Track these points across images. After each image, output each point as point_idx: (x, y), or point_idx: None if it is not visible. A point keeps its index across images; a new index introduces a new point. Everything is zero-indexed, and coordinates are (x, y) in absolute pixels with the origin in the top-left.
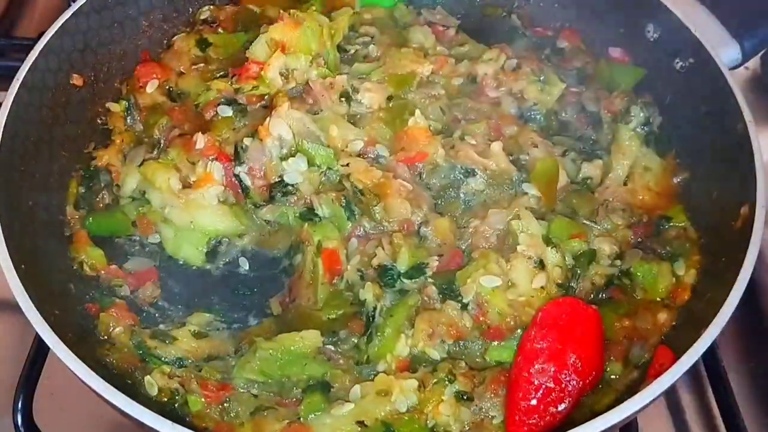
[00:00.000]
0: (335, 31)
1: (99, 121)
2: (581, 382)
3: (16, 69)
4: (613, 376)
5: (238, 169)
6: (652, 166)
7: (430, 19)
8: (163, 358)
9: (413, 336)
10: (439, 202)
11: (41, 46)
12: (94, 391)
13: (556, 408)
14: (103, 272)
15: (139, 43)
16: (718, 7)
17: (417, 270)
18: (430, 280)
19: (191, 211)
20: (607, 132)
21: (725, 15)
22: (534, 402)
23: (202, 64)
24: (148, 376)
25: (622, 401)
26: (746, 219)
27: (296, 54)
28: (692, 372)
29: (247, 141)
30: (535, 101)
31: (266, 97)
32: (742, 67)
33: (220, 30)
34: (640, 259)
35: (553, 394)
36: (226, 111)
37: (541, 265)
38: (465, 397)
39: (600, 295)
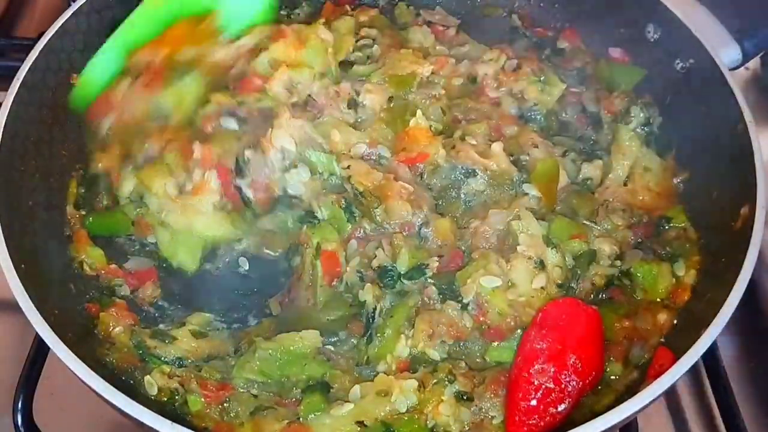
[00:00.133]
0: (339, 47)
1: None
2: (581, 383)
3: (16, 69)
4: (612, 377)
5: (239, 182)
6: (652, 167)
7: (429, 19)
8: (162, 358)
9: (413, 336)
10: (440, 202)
11: (42, 46)
12: (94, 391)
13: (556, 408)
14: (103, 272)
15: None
16: (718, 7)
17: (417, 271)
18: (430, 280)
19: (188, 216)
20: (607, 132)
21: (726, 15)
22: (534, 402)
23: None
24: (148, 376)
25: (622, 402)
26: (746, 219)
27: (300, 68)
28: (692, 372)
29: (248, 153)
30: (536, 101)
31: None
32: (742, 68)
33: None
34: (640, 260)
35: (553, 394)
36: (230, 123)
37: (541, 265)
38: (465, 398)
39: (600, 296)
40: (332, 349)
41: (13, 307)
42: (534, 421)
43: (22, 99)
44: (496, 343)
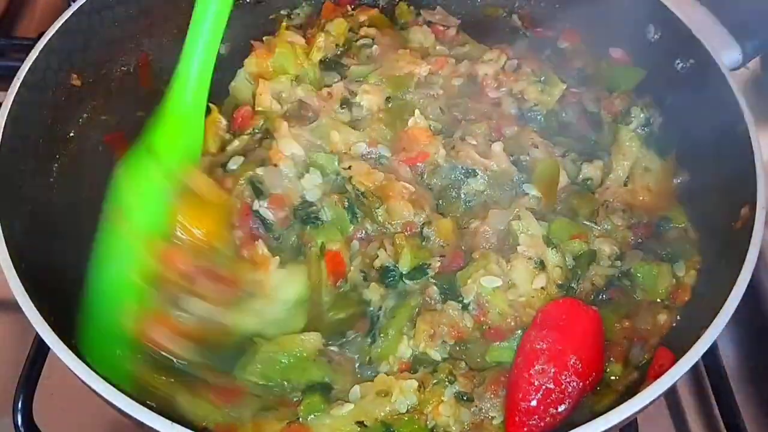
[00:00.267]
0: (318, 47)
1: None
2: (581, 383)
3: (17, 69)
4: (613, 377)
5: (257, 205)
6: (653, 167)
7: (429, 19)
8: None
9: (414, 337)
10: (440, 202)
11: (42, 45)
12: (93, 391)
13: (556, 409)
14: None
15: (141, 42)
16: (719, 8)
17: (419, 271)
18: (432, 280)
19: None
20: (608, 133)
21: (726, 16)
22: (534, 403)
23: None
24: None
25: (622, 402)
26: (746, 220)
27: (277, 76)
28: (692, 372)
29: (260, 171)
30: (536, 102)
31: (258, 129)
32: (743, 68)
33: None
34: (641, 260)
35: (553, 395)
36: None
37: (541, 265)
38: (465, 398)
39: (600, 296)
40: (336, 350)
41: (13, 307)
42: (534, 422)
43: (22, 98)
44: (496, 344)
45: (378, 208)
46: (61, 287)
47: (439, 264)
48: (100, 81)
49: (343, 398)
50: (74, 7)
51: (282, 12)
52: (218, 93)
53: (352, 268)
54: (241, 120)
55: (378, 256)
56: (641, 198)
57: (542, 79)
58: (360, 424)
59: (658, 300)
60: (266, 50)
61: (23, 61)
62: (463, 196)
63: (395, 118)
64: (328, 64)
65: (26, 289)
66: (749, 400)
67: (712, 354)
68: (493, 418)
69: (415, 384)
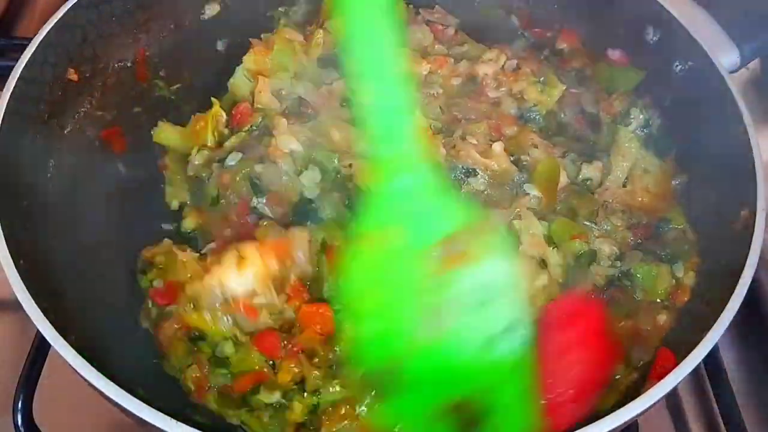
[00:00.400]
0: (314, 45)
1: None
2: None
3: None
4: (617, 376)
5: (256, 201)
6: (652, 169)
7: (428, 18)
8: None
9: None
10: None
11: (39, 40)
12: (94, 387)
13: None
14: None
15: (138, 37)
16: (717, 10)
17: None
18: None
19: None
20: (607, 134)
21: (725, 19)
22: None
23: None
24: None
25: (624, 403)
26: (746, 222)
27: (276, 73)
28: (693, 373)
29: (259, 168)
30: (535, 102)
31: (256, 126)
32: (742, 69)
33: None
34: (640, 261)
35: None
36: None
37: (543, 264)
38: None
39: (601, 296)
40: None
41: (13, 306)
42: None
43: (19, 93)
44: None
45: None
46: (60, 284)
47: None
48: (97, 76)
49: None
50: (71, 2)
51: (280, 9)
52: (218, 89)
53: None
54: (239, 117)
55: None
56: (640, 199)
57: (542, 79)
58: None
59: (658, 300)
60: (265, 47)
61: (23, 52)
62: (463, 195)
63: None
64: (328, 62)
65: (26, 287)
66: (750, 401)
67: (712, 355)
68: None
69: None
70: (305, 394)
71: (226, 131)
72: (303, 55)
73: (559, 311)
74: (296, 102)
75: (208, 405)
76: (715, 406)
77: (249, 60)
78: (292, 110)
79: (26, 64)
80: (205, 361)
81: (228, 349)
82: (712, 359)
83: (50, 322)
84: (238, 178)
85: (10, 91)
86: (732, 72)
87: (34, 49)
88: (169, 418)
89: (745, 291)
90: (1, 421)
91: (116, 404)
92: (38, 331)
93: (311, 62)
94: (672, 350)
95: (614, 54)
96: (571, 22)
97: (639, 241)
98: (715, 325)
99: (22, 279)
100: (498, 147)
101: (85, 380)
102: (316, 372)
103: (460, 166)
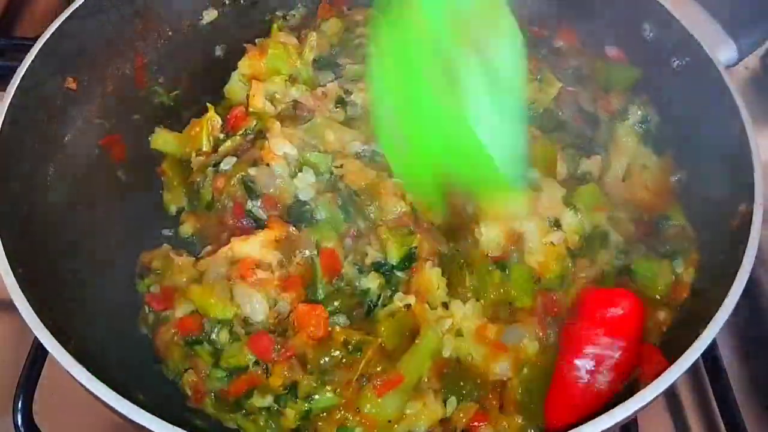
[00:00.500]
0: (309, 48)
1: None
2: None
3: (16, 69)
4: None
5: (251, 204)
6: (650, 165)
7: None
8: None
9: None
10: None
11: (37, 49)
12: (92, 394)
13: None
14: None
15: (136, 45)
16: (713, 5)
17: (409, 259)
18: None
19: None
20: (604, 131)
21: (721, 13)
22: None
23: None
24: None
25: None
26: (744, 218)
27: (271, 79)
28: (692, 371)
29: (252, 171)
30: (532, 100)
31: (250, 130)
32: (742, 67)
33: None
34: (641, 257)
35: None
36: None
37: (556, 225)
38: None
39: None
40: None
41: (13, 306)
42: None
43: (18, 102)
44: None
45: (370, 205)
46: (59, 291)
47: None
48: (95, 84)
49: None
50: (69, 10)
51: (278, 13)
52: (217, 95)
53: (346, 263)
54: (234, 121)
55: (367, 254)
56: (640, 196)
57: (539, 77)
58: None
59: (658, 297)
60: (259, 52)
61: (22, 62)
62: None
63: None
64: (323, 64)
65: (24, 294)
66: (749, 399)
67: (711, 353)
68: None
69: None
70: (297, 400)
71: (221, 136)
72: (297, 58)
73: (602, 301)
74: (291, 105)
75: (206, 409)
76: (714, 404)
77: (244, 65)
78: (286, 113)
79: (24, 73)
80: (202, 365)
81: (223, 337)
82: (711, 357)
83: (48, 329)
84: (232, 182)
85: (9, 99)
86: (729, 66)
87: (32, 58)
88: (165, 422)
89: (743, 285)
90: (1, 421)
91: (114, 410)
92: None
93: (306, 65)
94: (671, 347)
95: (611, 51)
96: (568, 20)
97: (639, 237)
98: (713, 320)
99: (20, 287)
100: None
101: (83, 387)
102: (308, 377)
103: None
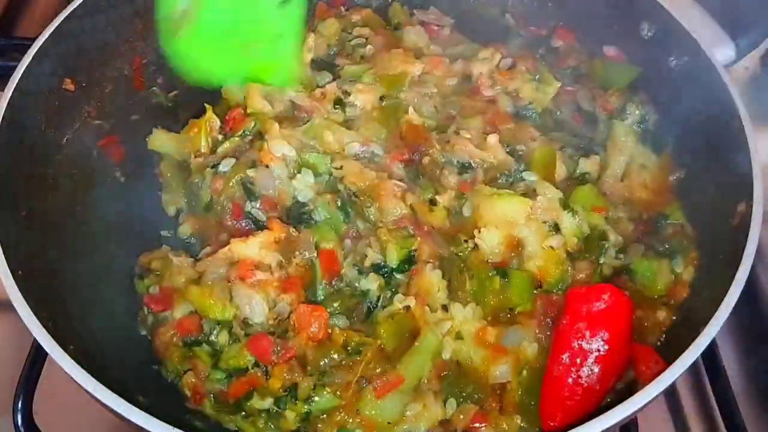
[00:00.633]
0: (306, 49)
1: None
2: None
3: (15, 69)
4: None
5: (249, 206)
6: (649, 164)
7: (423, 19)
8: None
9: None
10: None
11: (35, 50)
12: (91, 395)
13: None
14: None
15: (135, 45)
16: (711, 5)
17: (408, 261)
18: None
19: None
20: (603, 130)
21: (719, 13)
22: (570, 380)
23: None
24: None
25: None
26: (743, 217)
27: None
28: (692, 371)
29: (251, 172)
30: (531, 100)
31: (248, 131)
32: (741, 67)
33: None
34: (641, 256)
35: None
36: None
37: (555, 229)
38: None
39: None
40: None
41: (13, 307)
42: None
43: (16, 104)
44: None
45: (369, 207)
46: (59, 293)
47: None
48: (93, 85)
49: None
50: (67, 11)
51: None
52: (216, 95)
53: (345, 264)
54: (233, 122)
55: (367, 256)
56: (638, 195)
57: (537, 77)
58: None
59: (657, 296)
60: None
61: (20, 62)
62: None
63: (389, 117)
64: (321, 65)
65: (23, 295)
66: (749, 399)
67: (711, 353)
68: None
69: None
70: (297, 401)
71: (220, 137)
72: None
73: (585, 297)
74: (290, 106)
75: (205, 410)
76: (714, 404)
77: None
78: (285, 114)
79: (22, 75)
80: (202, 366)
81: (222, 338)
82: (710, 357)
83: (48, 332)
84: (231, 183)
85: (7, 101)
86: (727, 66)
87: (29, 59)
88: (165, 424)
89: (742, 285)
90: (1, 421)
91: (113, 411)
92: None
93: (303, 66)
94: (671, 347)
95: (609, 51)
96: (566, 19)
97: (639, 236)
98: (712, 319)
99: (20, 289)
100: (493, 139)
101: (84, 389)
102: (308, 379)
103: (455, 161)
